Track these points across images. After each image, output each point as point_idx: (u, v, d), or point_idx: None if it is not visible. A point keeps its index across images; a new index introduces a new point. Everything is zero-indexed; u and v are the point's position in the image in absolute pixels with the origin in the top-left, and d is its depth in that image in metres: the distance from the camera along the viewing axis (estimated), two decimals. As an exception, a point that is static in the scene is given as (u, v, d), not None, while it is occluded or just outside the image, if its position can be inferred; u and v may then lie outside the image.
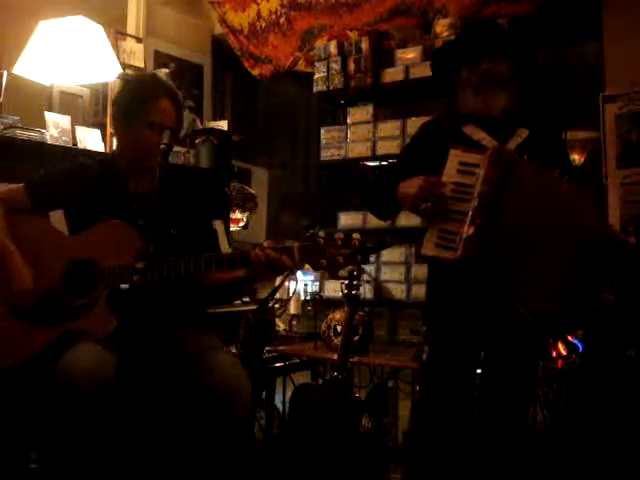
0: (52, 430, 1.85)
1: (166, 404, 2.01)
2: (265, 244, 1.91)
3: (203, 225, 2.25)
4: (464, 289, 2.07)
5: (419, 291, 3.26)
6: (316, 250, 1.83)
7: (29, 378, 1.93)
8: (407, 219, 3.21)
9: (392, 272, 3.39)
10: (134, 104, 2.07)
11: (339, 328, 3.15)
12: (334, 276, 2.13)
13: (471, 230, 1.90)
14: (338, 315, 3.21)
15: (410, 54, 3.54)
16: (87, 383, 1.74)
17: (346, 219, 3.68)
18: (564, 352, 2.77)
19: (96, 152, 3.30)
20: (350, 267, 2.73)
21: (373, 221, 3.50)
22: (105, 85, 3.72)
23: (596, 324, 2.57)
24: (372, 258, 3.47)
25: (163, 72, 4.03)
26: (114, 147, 3.65)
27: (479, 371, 2.19)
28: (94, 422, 1.77)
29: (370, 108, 3.64)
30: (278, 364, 3.29)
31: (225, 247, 2.87)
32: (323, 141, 3.77)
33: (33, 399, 1.94)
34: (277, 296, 3.41)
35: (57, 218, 2.13)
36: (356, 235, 1.84)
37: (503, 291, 1.96)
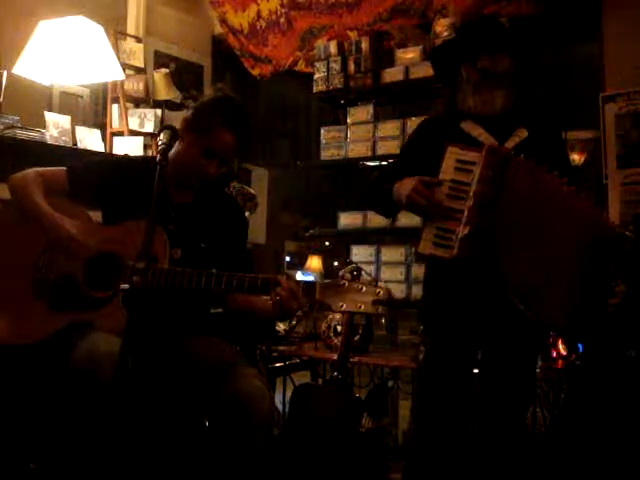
0: (62, 418, 1.86)
1: (177, 409, 2.01)
2: (289, 276, 1.90)
3: (236, 245, 2.22)
4: (461, 288, 2.06)
5: (419, 291, 3.25)
6: (338, 292, 1.80)
7: (37, 361, 1.94)
8: (407, 219, 3.21)
9: (392, 272, 3.39)
10: (202, 124, 2.06)
11: (339, 328, 3.14)
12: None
13: (466, 229, 1.90)
14: (338, 315, 3.21)
15: (410, 54, 3.54)
16: (105, 368, 1.74)
17: (346, 219, 3.68)
18: (564, 352, 2.77)
19: (96, 152, 3.30)
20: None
21: (373, 221, 3.51)
22: (105, 85, 3.73)
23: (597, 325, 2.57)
24: (372, 258, 3.48)
25: (163, 72, 4.04)
26: (114, 147, 3.66)
27: (476, 371, 2.18)
28: (108, 411, 1.77)
29: (370, 108, 3.64)
30: (278, 364, 3.29)
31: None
32: (323, 141, 3.77)
33: (41, 384, 1.95)
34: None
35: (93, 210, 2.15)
36: (382, 284, 1.81)
37: (502, 292, 1.96)
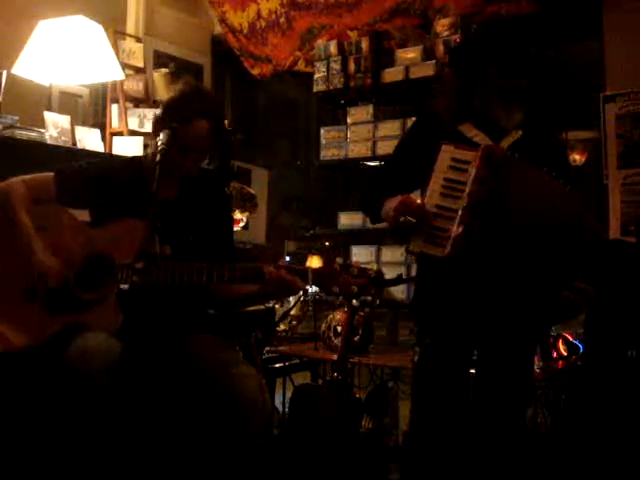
0: (59, 418, 1.86)
1: (174, 407, 2.00)
2: (280, 263, 1.93)
3: (222, 235, 2.24)
4: (455, 287, 2.04)
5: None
6: (331, 276, 1.84)
7: (35, 365, 1.94)
8: (407, 219, 3.20)
9: (392, 272, 3.39)
10: (174, 121, 2.06)
11: (339, 328, 3.14)
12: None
13: (460, 229, 1.89)
14: (338, 315, 3.21)
15: (410, 54, 3.54)
16: (99, 366, 1.77)
17: (346, 219, 3.68)
18: (565, 352, 2.77)
19: (95, 152, 3.29)
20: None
21: (373, 221, 3.50)
22: (104, 85, 3.72)
23: (596, 323, 2.57)
24: (372, 258, 3.47)
25: (163, 72, 4.03)
26: (114, 147, 3.65)
27: (473, 371, 2.18)
28: (102, 409, 1.77)
29: (370, 108, 3.64)
30: (278, 365, 3.29)
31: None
32: (323, 141, 3.77)
33: (38, 387, 1.94)
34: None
35: (80, 212, 2.14)
36: (373, 267, 1.85)
37: (494, 288, 1.95)
